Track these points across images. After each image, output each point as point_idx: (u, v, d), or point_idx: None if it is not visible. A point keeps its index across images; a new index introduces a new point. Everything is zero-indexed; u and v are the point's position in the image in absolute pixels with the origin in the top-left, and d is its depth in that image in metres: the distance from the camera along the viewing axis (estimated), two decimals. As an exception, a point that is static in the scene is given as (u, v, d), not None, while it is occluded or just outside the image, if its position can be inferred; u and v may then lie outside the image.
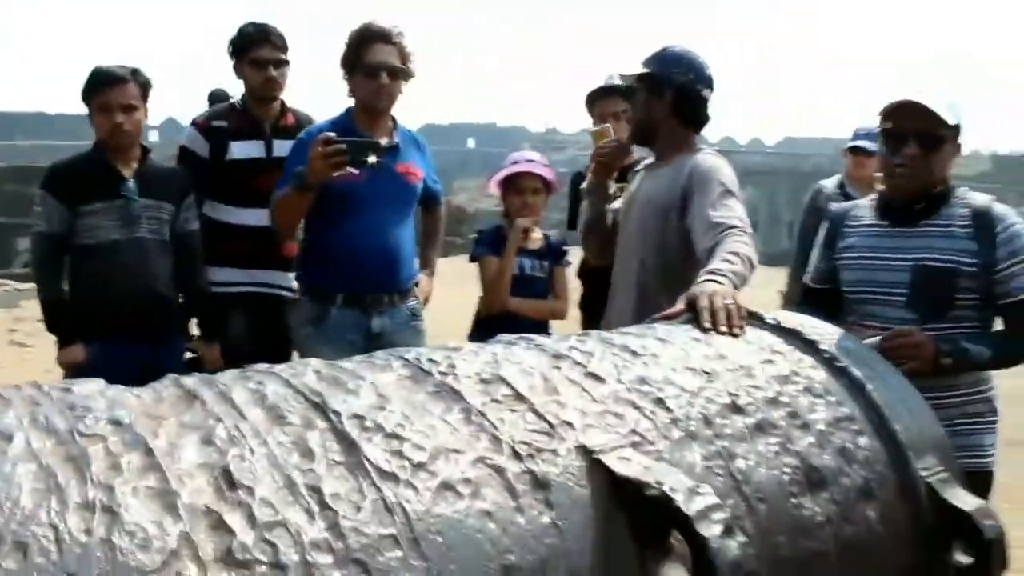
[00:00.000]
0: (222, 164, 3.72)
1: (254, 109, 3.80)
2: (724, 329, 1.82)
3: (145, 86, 3.47)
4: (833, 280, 2.69)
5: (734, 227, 2.54)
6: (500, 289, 3.74)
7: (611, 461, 1.21)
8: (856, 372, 1.73)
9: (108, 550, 0.86)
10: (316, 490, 1.02)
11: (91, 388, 1.11)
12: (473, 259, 3.90)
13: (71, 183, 3.46)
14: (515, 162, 3.90)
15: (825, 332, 1.87)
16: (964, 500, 1.67)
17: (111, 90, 3.40)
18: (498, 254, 3.77)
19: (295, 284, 3.83)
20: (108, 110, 3.39)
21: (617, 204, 3.19)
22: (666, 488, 1.15)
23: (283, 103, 3.88)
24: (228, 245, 3.74)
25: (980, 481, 2.31)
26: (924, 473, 1.67)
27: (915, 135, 2.45)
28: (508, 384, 1.33)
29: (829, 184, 5.35)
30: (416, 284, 3.75)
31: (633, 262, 2.92)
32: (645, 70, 2.91)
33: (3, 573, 0.81)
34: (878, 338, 2.34)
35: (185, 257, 3.63)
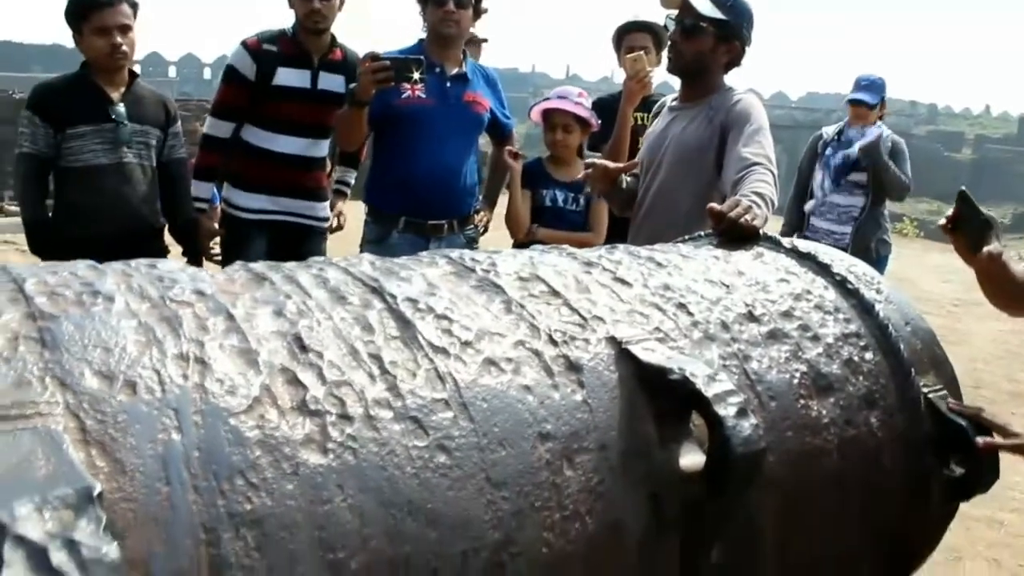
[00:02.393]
0: (267, 88, 3.76)
1: (304, 39, 3.81)
2: (743, 220, 1.95)
3: (135, 6, 3.49)
4: None
5: (759, 164, 2.64)
6: (513, 218, 3.93)
7: (637, 350, 1.33)
8: (865, 293, 1.85)
9: (202, 393, 1.00)
10: (376, 358, 1.15)
11: (173, 265, 1.25)
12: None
13: (58, 105, 3.46)
14: (552, 97, 4.03)
15: (838, 257, 1.99)
16: (959, 415, 1.80)
17: (107, 11, 3.39)
18: (530, 187, 3.93)
19: (325, 212, 3.98)
20: (105, 31, 3.39)
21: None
22: (687, 373, 1.27)
23: (333, 37, 3.92)
24: (262, 171, 3.82)
25: None
26: (925, 388, 1.81)
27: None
28: (544, 282, 1.46)
29: (830, 130, 5.55)
30: (476, 212, 3.95)
31: (667, 202, 2.99)
32: (721, 16, 2.97)
33: (118, 404, 0.94)
34: None
35: (171, 184, 3.69)
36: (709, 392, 1.25)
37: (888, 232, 5.42)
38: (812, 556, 1.58)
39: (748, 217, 2.01)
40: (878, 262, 5.28)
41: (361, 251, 3.56)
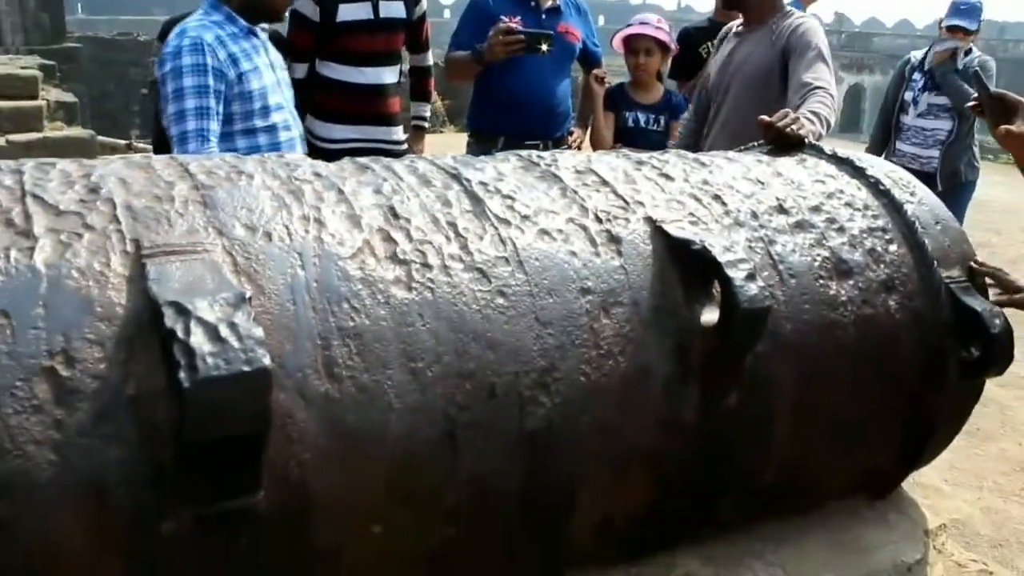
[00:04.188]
0: (332, 26, 3.97)
1: None
2: (789, 129, 2.20)
3: None
4: None
5: (819, 87, 2.87)
6: (597, 139, 4.24)
7: (669, 228, 1.62)
8: (896, 194, 2.08)
9: (319, 243, 1.34)
10: (452, 224, 1.47)
11: (297, 157, 1.59)
12: None
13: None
14: (633, 23, 4.30)
15: (875, 163, 2.21)
16: (978, 304, 2.03)
17: None
18: (614, 109, 4.23)
19: (400, 136, 4.32)
20: None
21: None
22: (707, 244, 1.56)
23: None
24: (339, 102, 4.06)
25: None
26: (946, 279, 2.03)
27: None
28: (596, 174, 1.75)
29: (918, 55, 5.62)
30: (570, 133, 4.29)
31: (736, 121, 3.21)
32: None
33: (258, 247, 1.29)
34: None
35: None
36: (723, 259, 1.54)
37: (976, 156, 5.47)
38: (828, 416, 1.85)
39: (795, 127, 2.25)
40: (965, 186, 5.37)
41: None
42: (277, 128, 3.18)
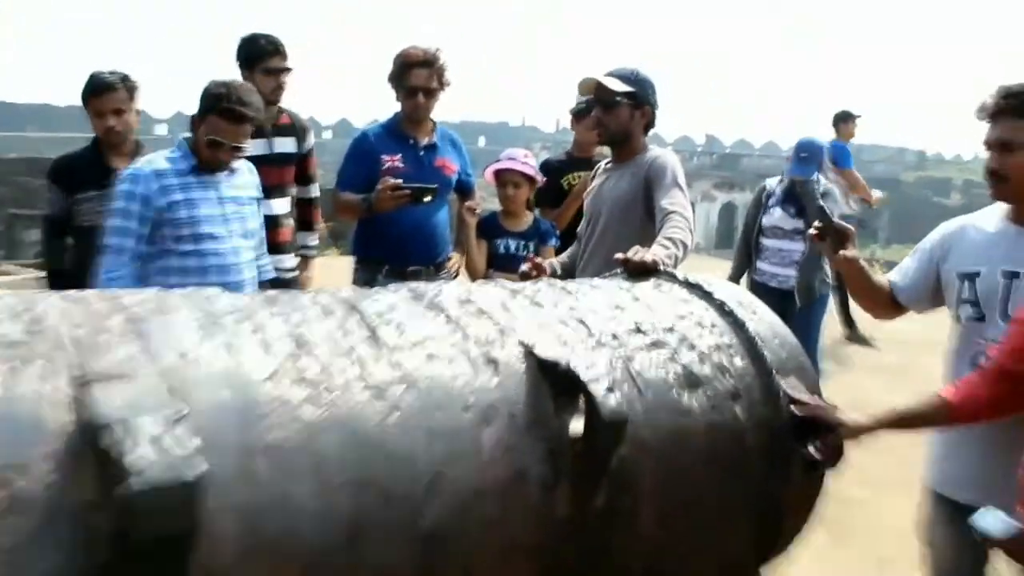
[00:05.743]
0: None
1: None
2: (637, 259, 2.57)
3: (132, 90, 4.15)
4: None
5: (673, 212, 3.29)
6: (471, 266, 4.59)
7: (539, 350, 1.90)
8: (740, 313, 2.41)
9: (238, 368, 1.57)
10: (352, 350, 1.72)
11: (215, 291, 1.83)
12: None
13: (70, 175, 4.15)
14: (501, 159, 4.74)
15: (722, 286, 2.55)
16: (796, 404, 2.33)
17: (103, 96, 4.08)
18: (486, 237, 4.62)
19: (291, 263, 4.67)
20: (101, 114, 4.07)
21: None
22: (572, 363, 1.84)
23: (279, 106, 4.66)
24: None
25: None
26: (785, 386, 2.35)
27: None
28: (476, 304, 2.03)
29: (772, 182, 6.31)
30: (449, 259, 4.66)
31: (606, 246, 3.56)
32: (631, 89, 3.67)
33: (187, 371, 1.51)
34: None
35: None
36: (586, 376, 1.81)
37: (828, 273, 6.01)
38: (687, 511, 2.12)
39: (647, 258, 2.61)
40: (820, 300, 5.91)
41: None
42: (205, 254, 3.58)
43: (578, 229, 3.97)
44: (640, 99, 3.69)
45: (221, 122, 3.56)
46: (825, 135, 7.84)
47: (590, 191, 3.92)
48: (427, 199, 4.17)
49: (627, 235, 3.43)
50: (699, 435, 2.11)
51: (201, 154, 3.62)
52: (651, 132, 3.83)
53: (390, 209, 4.13)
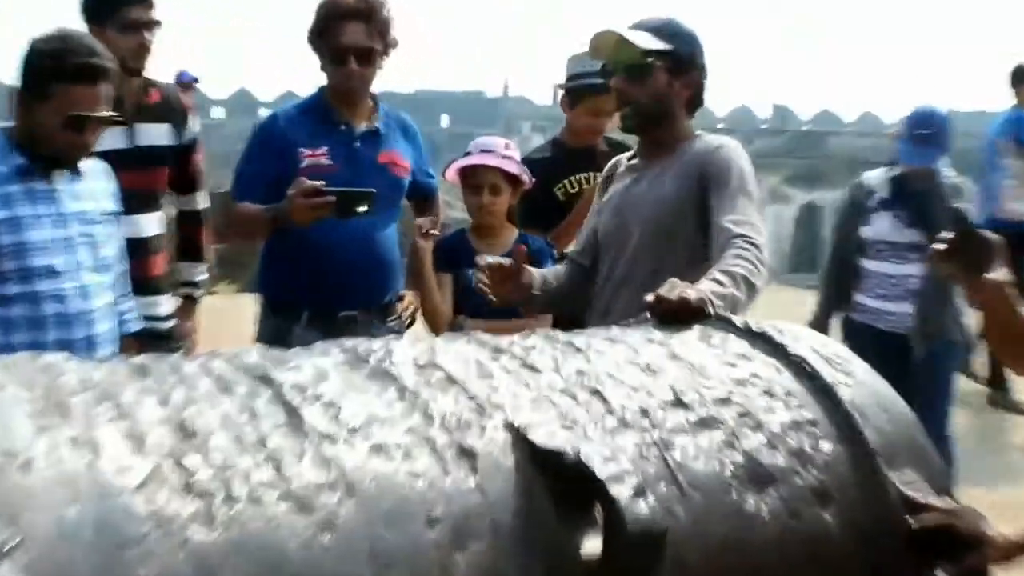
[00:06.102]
0: None
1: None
2: (675, 296, 2.55)
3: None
4: None
5: (739, 235, 3.25)
6: (427, 306, 4.47)
7: (535, 435, 1.92)
8: (826, 376, 2.44)
9: (94, 473, 1.58)
10: (262, 443, 1.74)
11: (57, 358, 1.85)
12: None
13: None
14: (471, 152, 4.57)
15: (800, 335, 2.58)
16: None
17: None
18: (450, 268, 4.46)
19: (167, 308, 4.57)
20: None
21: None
22: (582, 455, 1.87)
23: (145, 76, 4.51)
24: None
25: None
26: (896, 481, 2.37)
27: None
28: (443, 369, 2.06)
29: (873, 177, 6.19)
30: (400, 299, 4.52)
31: (642, 279, 3.43)
32: (667, 46, 3.58)
33: (15, 480, 1.53)
34: None
35: None
36: (604, 473, 1.84)
37: (961, 310, 5.74)
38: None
39: (690, 295, 2.61)
40: (950, 350, 5.74)
41: None
42: (40, 299, 3.50)
43: (568, 250, 3.92)
44: (682, 60, 3.62)
45: (78, 88, 3.49)
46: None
47: (606, 200, 3.86)
48: (362, 209, 4.01)
49: (672, 264, 3.38)
50: (770, 553, 2.14)
51: (51, 143, 3.56)
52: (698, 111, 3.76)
53: (307, 223, 4.01)
